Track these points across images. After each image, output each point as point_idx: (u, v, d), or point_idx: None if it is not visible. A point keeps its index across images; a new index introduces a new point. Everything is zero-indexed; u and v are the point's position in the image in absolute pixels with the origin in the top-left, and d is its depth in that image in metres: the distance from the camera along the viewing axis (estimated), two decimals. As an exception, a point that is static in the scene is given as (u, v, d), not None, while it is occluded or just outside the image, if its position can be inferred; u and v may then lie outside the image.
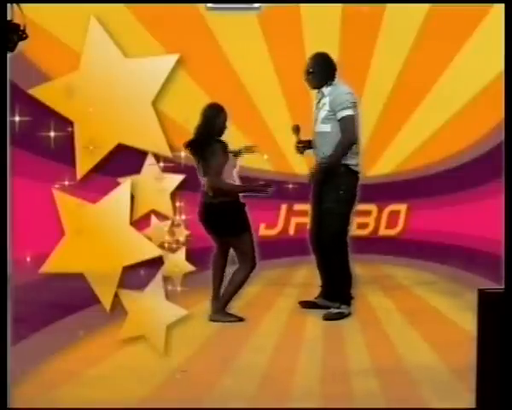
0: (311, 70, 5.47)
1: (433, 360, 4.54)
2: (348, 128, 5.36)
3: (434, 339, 4.88)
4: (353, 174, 5.44)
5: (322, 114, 5.43)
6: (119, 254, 4.44)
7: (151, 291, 4.42)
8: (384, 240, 6.82)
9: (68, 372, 4.30)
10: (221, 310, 5.31)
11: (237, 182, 5.28)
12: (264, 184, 5.32)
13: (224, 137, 5.23)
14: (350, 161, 5.41)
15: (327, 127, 5.42)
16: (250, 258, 5.29)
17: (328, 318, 5.36)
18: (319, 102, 5.48)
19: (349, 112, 5.36)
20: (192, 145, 5.18)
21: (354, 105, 5.40)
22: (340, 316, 5.37)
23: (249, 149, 5.46)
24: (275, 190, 5.49)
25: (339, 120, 5.37)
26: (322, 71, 5.46)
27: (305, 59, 5.57)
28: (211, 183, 5.19)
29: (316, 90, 5.54)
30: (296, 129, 5.61)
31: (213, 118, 5.20)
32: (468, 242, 6.51)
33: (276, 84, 6.45)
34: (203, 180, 5.27)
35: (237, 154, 5.35)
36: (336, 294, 5.47)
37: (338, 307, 5.41)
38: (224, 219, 5.25)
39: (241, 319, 5.26)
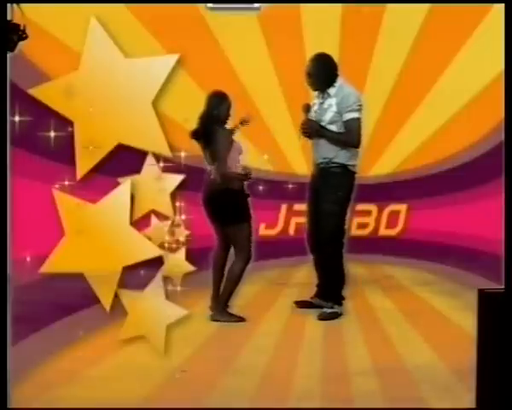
0: (312, 73, 5.42)
1: (433, 360, 4.54)
2: (353, 130, 5.37)
3: (434, 339, 4.88)
4: (351, 174, 5.46)
5: (329, 115, 5.40)
6: (119, 254, 4.43)
7: (151, 291, 4.42)
8: (384, 240, 6.82)
9: (68, 372, 4.31)
10: (222, 309, 5.31)
11: (240, 169, 5.34)
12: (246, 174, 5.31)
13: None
14: (349, 162, 5.42)
15: (333, 128, 5.40)
16: (246, 250, 5.29)
17: (322, 318, 5.37)
18: (323, 102, 5.44)
19: (356, 115, 5.37)
20: (195, 134, 5.27)
21: (361, 108, 5.40)
22: (335, 316, 5.38)
23: (244, 122, 5.38)
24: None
25: (345, 122, 5.36)
26: (324, 74, 5.42)
27: (305, 59, 5.56)
28: (217, 169, 5.24)
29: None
30: (307, 109, 5.49)
31: (216, 106, 5.27)
32: (468, 242, 6.51)
33: (276, 84, 6.45)
34: (210, 168, 5.31)
35: (234, 130, 5.34)
36: (330, 294, 5.48)
37: (331, 307, 5.41)
38: (225, 206, 5.29)
39: (242, 319, 5.26)
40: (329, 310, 5.41)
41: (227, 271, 5.38)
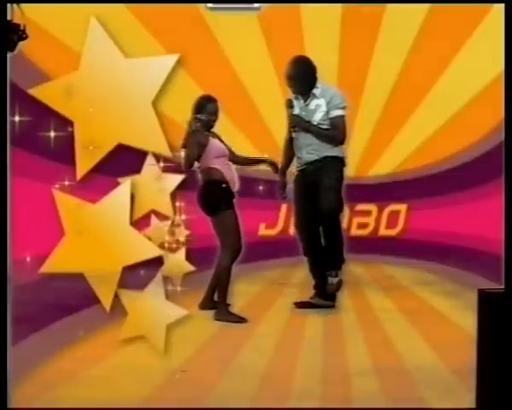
0: (294, 75, 5.48)
1: (433, 360, 4.54)
2: (339, 127, 5.48)
3: (434, 339, 4.88)
4: (344, 165, 5.57)
5: (319, 115, 5.48)
6: (119, 254, 4.43)
7: (151, 291, 4.42)
8: (384, 240, 6.81)
9: (68, 372, 4.31)
10: (223, 308, 5.30)
11: (232, 170, 5.37)
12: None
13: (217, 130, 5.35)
14: (342, 155, 5.55)
15: (324, 127, 5.48)
16: (232, 241, 5.28)
17: (332, 290, 5.50)
18: (308, 104, 5.50)
19: (342, 112, 5.49)
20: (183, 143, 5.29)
21: (346, 108, 5.51)
22: (341, 284, 5.51)
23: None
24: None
25: (331, 118, 5.46)
26: (306, 76, 5.50)
27: (305, 59, 5.57)
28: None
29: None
30: (291, 104, 5.56)
31: (200, 110, 5.28)
32: (468, 242, 6.50)
33: (276, 84, 6.44)
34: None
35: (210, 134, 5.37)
36: (336, 261, 5.54)
37: (336, 276, 5.50)
38: (203, 198, 5.32)
39: (243, 320, 5.25)
40: (336, 279, 5.50)
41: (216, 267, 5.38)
